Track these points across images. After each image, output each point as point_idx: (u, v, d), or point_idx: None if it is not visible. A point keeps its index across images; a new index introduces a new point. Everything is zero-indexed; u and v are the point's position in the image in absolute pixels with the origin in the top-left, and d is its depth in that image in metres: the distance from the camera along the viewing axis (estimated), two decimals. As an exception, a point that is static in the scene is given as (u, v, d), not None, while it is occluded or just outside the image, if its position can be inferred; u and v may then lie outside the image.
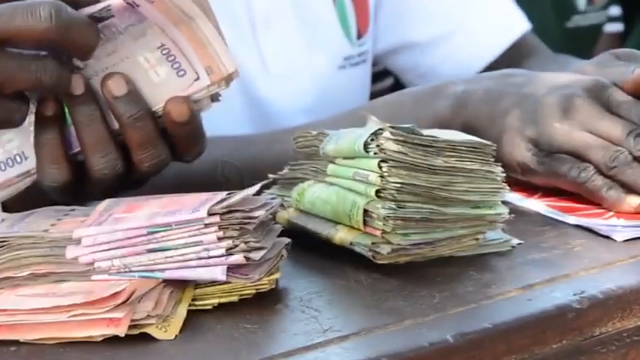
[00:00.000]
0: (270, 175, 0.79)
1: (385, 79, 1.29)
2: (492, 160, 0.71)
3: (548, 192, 0.84)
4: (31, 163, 0.70)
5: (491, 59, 1.15)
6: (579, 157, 0.81)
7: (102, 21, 0.69)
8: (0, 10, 0.65)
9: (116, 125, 0.70)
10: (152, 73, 0.69)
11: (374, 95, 1.15)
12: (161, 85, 0.69)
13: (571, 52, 1.25)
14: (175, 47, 0.69)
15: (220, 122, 0.86)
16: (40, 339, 0.62)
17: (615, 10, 1.76)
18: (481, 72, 1.13)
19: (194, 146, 0.72)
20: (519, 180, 0.84)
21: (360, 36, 1.12)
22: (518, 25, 1.17)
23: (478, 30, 1.15)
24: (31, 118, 0.70)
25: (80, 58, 0.69)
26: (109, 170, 0.70)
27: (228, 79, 0.70)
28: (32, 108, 0.69)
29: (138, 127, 0.69)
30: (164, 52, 0.69)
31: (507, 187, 0.73)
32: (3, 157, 0.70)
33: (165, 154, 0.71)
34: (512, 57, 1.14)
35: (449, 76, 1.07)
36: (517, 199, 0.83)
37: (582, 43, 1.65)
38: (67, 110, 0.70)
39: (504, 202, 0.73)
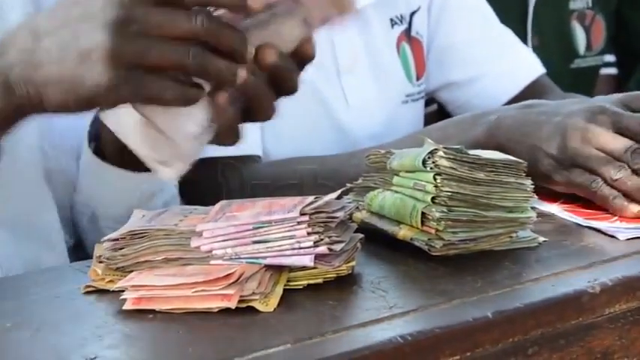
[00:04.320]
0: (348, 184, 0.78)
1: (431, 105, 1.29)
2: (523, 174, 0.70)
3: (566, 200, 0.82)
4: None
5: (513, 96, 1.13)
6: (590, 170, 0.80)
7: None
8: None
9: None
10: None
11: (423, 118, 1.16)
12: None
13: (574, 90, 1.23)
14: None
15: (314, 144, 0.87)
16: (170, 309, 0.61)
17: (610, 57, 1.75)
18: (505, 105, 1.11)
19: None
20: (544, 190, 0.82)
21: (418, 78, 1.13)
22: (535, 68, 1.16)
23: (503, 72, 1.15)
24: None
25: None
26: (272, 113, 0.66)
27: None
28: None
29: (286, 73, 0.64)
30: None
31: (535, 196, 0.72)
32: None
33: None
34: (530, 95, 1.12)
35: (481, 107, 1.07)
36: (542, 205, 0.81)
37: (583, 83, 1.64)
38: None
39: (532, 208, 0.72)
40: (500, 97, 1.13)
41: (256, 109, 0.64)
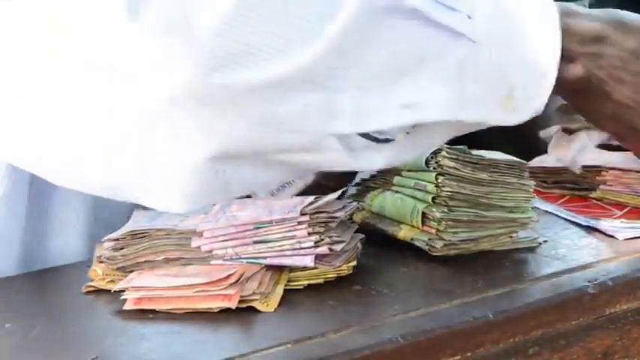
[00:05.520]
0: (349, 184, 0.78)
1: None
2: (526, 174, 0.70)
3: (567, 199, 0.82)
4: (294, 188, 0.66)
5: None
6: None
7: None
8: None
9: None
10: None
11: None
12: None
13: None
14: None
15: None
16: (171, 309, 0.62)
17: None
18: None
19: None
20: (543, 189, 0.82)
21: None
22: None
23: None
24: None
25: None
26: None
27: None
28: None
29: None
30: None
31: (536, 196, 0.72)
32: None
33: None
34: None
35: None
36: (543, 205, 0.80)
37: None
38: None
39: (533, 208, 0.72)
40: None
41: None
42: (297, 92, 0.49)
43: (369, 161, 0.53)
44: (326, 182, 0.87)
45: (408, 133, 0.52)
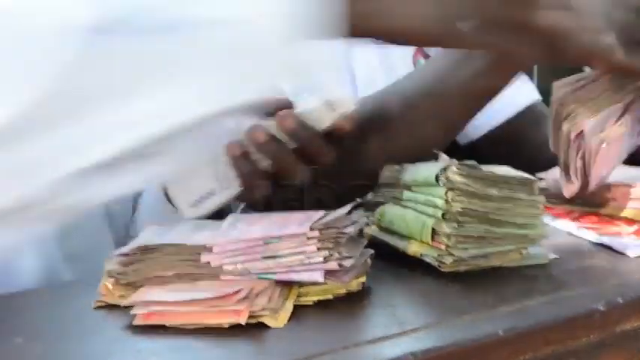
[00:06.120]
0: (358, 199, 0.78)
1: None
2: (537, 191, 0.70)
3: (577, 216, 0.82)
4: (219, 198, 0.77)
5: (509, 117, 1.14)
6: None
7: None
8: None
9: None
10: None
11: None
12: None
13: None
14: None
15: None
16: (181, 324, 0.62)
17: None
18: (501, 125, 1.13)
19: None
20: (555, 204, 0.82)
21: None
22: (532, 94, 1.16)
23: (502, 93, 1.15)
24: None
25: None
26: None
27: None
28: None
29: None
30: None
31: (546, 212, 0.72)
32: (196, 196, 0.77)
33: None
34: (525, 118, 1.12)
35: (476, 124, 1.07)
36: (554, 221, 0.81)
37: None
38: None
39: (543, 224, 0.71)
40: (496, 116, 1.13)
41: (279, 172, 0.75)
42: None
43: (127, 183, 0.49)
44: (325, 182, 0.88)
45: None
